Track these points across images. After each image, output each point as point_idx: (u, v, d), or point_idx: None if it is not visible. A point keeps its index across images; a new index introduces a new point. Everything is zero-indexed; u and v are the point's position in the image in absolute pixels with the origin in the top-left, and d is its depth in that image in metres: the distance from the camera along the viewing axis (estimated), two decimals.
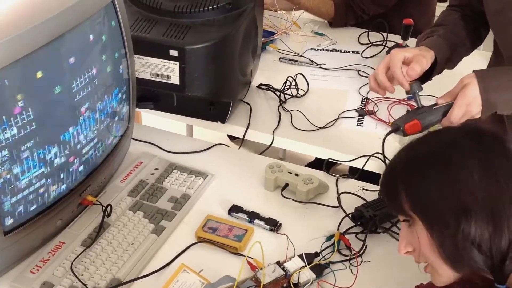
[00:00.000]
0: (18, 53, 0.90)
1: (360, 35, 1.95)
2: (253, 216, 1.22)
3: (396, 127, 1.16)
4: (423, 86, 1.20)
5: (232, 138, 1.91)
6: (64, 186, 1.10)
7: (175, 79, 1.40)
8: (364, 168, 1.39)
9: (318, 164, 1.45)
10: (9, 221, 0.99)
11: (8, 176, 0.96)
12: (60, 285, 1.04)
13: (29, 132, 0.96)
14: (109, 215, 1.16)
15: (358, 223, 1.20)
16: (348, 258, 1.13)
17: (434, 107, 1.14)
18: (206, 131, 1.65)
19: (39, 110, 0.97)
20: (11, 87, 0.92)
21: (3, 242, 1.00)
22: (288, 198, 1.28)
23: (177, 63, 1.37)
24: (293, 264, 1.09)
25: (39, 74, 0.95)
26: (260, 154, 1.50)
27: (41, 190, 1.04)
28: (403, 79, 1.16)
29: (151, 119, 1.57)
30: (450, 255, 0.80)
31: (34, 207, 1.04)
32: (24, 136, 0.96)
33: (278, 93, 1.62)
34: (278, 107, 1.58)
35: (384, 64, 1.18)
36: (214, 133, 1.60)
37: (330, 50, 1.89)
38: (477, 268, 0.80)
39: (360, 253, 1.13)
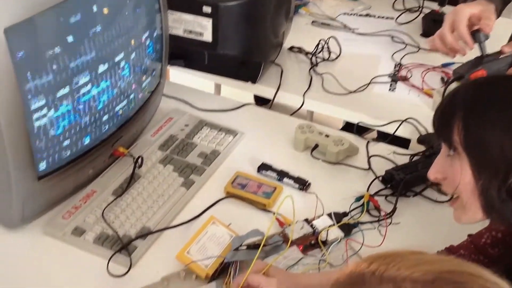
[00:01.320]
0: (51, 1, 0.90)
1: (395, 1, 1.91)
2: (282, 174, 1.22)
3: (459, 76, 1.12)
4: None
5: (259, 103, 1.90)
6: (97, 135, 1.10)
7: (208, 36, 1.39)
8: (395, 134, 1.37)
9: (347, 130, 1.44)
10: (42, 166, 1.00)
11: (44, 121, 0.96)
12: (91, 231, 1.05)
13: (64, 79, 0.97)
14: (140, 166, 1.17)
15: (388, 185, 1.19)
16: (377, 219, 1.12)
17: (501, 56, 1.10)
18: (233, 92, 1.64)
19: (75, 58, 0.97)
20: (48, 32, 0.92)
21: (37, 186, 1.01)
22: (318, 159, 1.27)
23: (210, 19, 1.36)
24: (322, 222, 1.09)
25: (74, 22, 0.95)
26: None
27: (75, 138, 1.05)
28: (469, 37, 1.11)
29: (179, 77, 1.57)
30: (488, 202, 0.79)
31: (68, 154, 1.05)
32: (60, 83, 0.96)
33: (309, 56, 1.61)
34: (309, 70, 1.57)
35: (449, 22, 1.13)
36: (241, 95, 1.59)
37: (363, 15, 1.86)
38: (507, 221, 0.79)
39: (390, 214, 1.13)
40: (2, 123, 0.89)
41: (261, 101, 1.60)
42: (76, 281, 0.99)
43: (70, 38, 0.96)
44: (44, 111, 0.95)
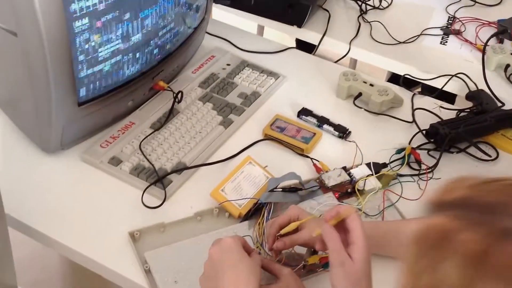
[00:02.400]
0: None
1: None
2: (322, 120, 1.19)
3: (503, 29, 1.06)
4: None
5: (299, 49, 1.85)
6: (138, 67, 1.09)
7: None
8: (443, 89, 1.32)
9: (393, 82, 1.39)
10: (83, 92, 1.00)
11: (86, 46, 0.95)
12: (128, 161, 1.05)
13: (110, 4, 0.95)
14: (179, 101, 1.16)
15: (432, 140, 1.15)
16: (417, 172, 1.09)
17: None
18: (276, 35, 1.60)
19: None
20: None
21: (77, 112, 1.01)
22: (360, 108, 1.24)
23: None
24: (360, 172, 1.07)
25: None
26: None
27: (117, 67, 1.03)
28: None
29: (221, 15, 1.53)
30: None
31: (108, 82, 1.04)
32: (105, 7, 0.94)
33: (359, 2, 1.55)
34: (358, 17, 1.51)
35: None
36: (283, 39, 1.55)
37: None
38: None
39: (431, 169, 1.09)
40: (46, 45, 0.89)
41: (302, 49, 1.56)
42: (111, 209, 1.00)
43: None
44: (87, 35, 0.94)
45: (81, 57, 0.95)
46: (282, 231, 0.87)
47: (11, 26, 0.89)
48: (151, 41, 1.09)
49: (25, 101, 1.00)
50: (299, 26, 1.46)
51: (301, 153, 1.13)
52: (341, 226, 0.79)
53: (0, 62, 1.00)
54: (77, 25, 0.92)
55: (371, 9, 1.54)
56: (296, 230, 0.88)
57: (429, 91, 1.36)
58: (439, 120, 1.19)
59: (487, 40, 1.35)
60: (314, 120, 1.19)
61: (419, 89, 1.65)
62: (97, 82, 1.01)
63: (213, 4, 1.46)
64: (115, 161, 1.05)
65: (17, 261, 0.86)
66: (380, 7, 1.55)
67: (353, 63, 2.18)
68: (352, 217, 0.78)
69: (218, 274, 0.78)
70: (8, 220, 0.92)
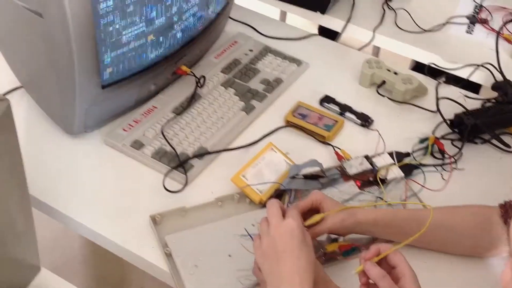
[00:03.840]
0: None
1: None
2: (344, 108, 1.18)
3: None
4: None
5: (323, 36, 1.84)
6: (161, 51, 1.09)
7: None
8: (468, 79, 1.30)
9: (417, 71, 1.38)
10: (107, 75, 1.00)
11: (110, 29, 0.95)
12: (150, 145, 1.05)
13: None
14: (201, 86, 1.16)
15: (456, 130, 1.14)
16: (440, 163, 1.08)
17: None
18: (298, 21, 1.59)
19: None
20: None
21: (100, 95, 1.01)
22: (383, 96, 1.22)
23: None
24: (382, 160, 1.06)
25: None
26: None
27: (140, 50, 1.03)
28: None
29: (244, 1, 1.52)
30: None
31: (132, 65, 1.04)
32: None
33: None
34: (383, 4, 1.49)
35: None
36: (306, 25, 1.53)
37: None
38: None
39: (455, 159, 1.08)
40: (71, 27, 0.89)
41: (324, 35, 1.55)
42: (132, 192, 1.01)
43: None
44: (112, 17, 0.94)
45: (105, 40, 0.95)
46: (306, 223, 0.86)
47: (37, 7, 0.90)
48: (175, 25, 1.09)
49: (49, 83, 1.01)
50: (322, 12, 1.45)
51: (323, 141, 1.12)
52: (379, 263, 0.77)
53: (25, 43, 1.00)
54: (102, 7, 0.91)
55: None
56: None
57: (454, 80, 1.34)
58: (464, 110, 1.17)
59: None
60: (337, 108, 1.18)
61: (444, 79, 1.63)
62: (121, 65, 1.01)
63: None
64: (137, 145, 1.05)
65: (40, 243, 0.87)
66: None
67: (376, 51, 2.15)
68: (394, 252, 0.76)
69: (278, 256, 0.77)
70: (32, 201, 0.93)
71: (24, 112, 1.12)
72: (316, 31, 1.97)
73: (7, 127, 0.71)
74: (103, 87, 1.01)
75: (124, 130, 1.08)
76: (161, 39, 1.07)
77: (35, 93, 1.11)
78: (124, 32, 0.98)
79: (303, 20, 1.51)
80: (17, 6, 0.92)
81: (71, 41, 0.90)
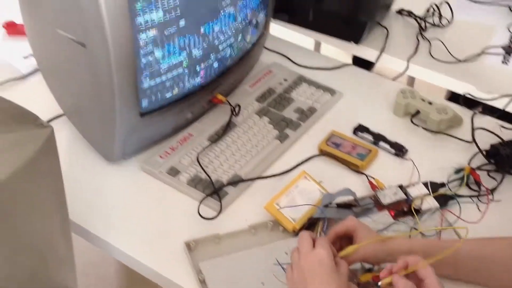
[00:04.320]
0: None
1: None
2: (378, 138, 1.18)
3: None
4: None
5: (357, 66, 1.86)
6: (198, 80, 1.11)
7: None
8: (505, 110, 1.29)
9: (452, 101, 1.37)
10: (146, 103, 1.03)
11: (150, 58, 0.98)
12: (185, 172, 1.07)
13: (173, 18, 0.98)
14: (236, 115, 1.18)
15: (492, 161, 1.13)
16: (476, 194, 1.07)
17: None
18: (333, 51, 1.61)
19: None
20: None
21: (139, 122, 1.04)
22: (418, 126, 1.22)
23: None
24: (416, 191, 1.05)
25: None
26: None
27: (178, 79, 1.06)
28: None
29: (280, 31, 1.55)
30: None
31: (170, 94, 1.07)
32: (169, 21, 0.97)
33: (418, 20, 1.53)
34: (417, 35, 1.50)
35: None
36: (340, 55, 1.55)
37: None
38: None
39: (491, 190, 1.07)
40: (113, 56, 0.92)
41: (358, 65, 1.56)
42: (168, 218, 1.02)
43: None
44: (151, 47, 0.97)
45: (145, 69, 0.98)
46: (340, 254, 0.86)
47: (80, 37, 0.93)
48: (211, 55, 1.12)
49: (90, 110, 1.04)
50: (356, 42, 1.46)
51: (357, 170, 1.12)
52: (408, 276, 0.78)
53: (68, 72, 1.04)
54: (142, 37, 0.95)
55: (431, 26, 1.53)
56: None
57: (490, 111, 1.33)
58: (500, 140, 1.16)
59: None
60: (370, 137, 1.19)
61: (480, 109, 1.62)
62: (159, 94, 1.04)
63: (272, 20, 1.47)
64: (173, 172, 1.07)
65: (77, 267, 0.89)
66: (440, 25, 1.53)
67: (411, 81, 2.15)
68: (422, 266, 0.77)
69: (307, 285, 0.78)
70: (71, 225, 0.95)
71: (66, 139, 1.16)
72: (350, 61, 1.99)
73: (51, 153, 0.74)
74: (142, 115, 1.03)
75: (161, 157, 1.10)
76: (198, 68, 1.10)
77: (76, 121, 1.14)
78: (162, 62, 1.01)
79: (337, 50, 1.52)
80: (61, 36, 0.95)
81: (112, 70, 0.93)
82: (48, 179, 0.74)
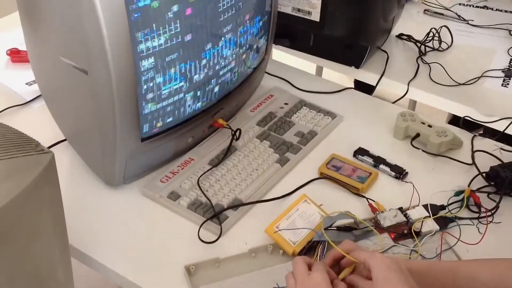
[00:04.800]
0: None
1: None
2: (378, 160, 1.19)
3: None
4: None
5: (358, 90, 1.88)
6: (199, 104, 1.13)
7: (316, 16, 1.38)
8: (505, 132, 1.30)
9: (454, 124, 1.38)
10: (146, 128, 1.04)
11: (151, 84, 1.00)
12: (186, 196, 1.08)
13: (174, 44, 0.99)
14: (237, 139, 1.19)
15: (492, 183, 1.13)
16: (477, 216, 1.07)
17: None
18: (335, 76, 1.62)
19: (186, 24, 1.00)
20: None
21: (139, 147, 1.05)
22: (418, 149, 1.23)
23: None
24: (416, 213, 1.06)
25: None
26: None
27: (179, 104, 1.07)
28: None
29: (280, 55, 1.57)
30: None
31: (170, 119, 1.08)
32: (170, 48, 0.99)
33: (418, 44, 1.55)
34: (417, 59, 1.51)
35: None
36: (342, 79, 1.57)
37: (480, 7, 1.77)
38: None
39: (491, 212, 1.07)
40: (114, 83, 0.93)
41: (361, 89, 1.58)
42: (168, 242, 1.03)
43: (183, 7, 0.98)
44: (152, 74, 0.99)
45: (146, 95, 1.00)
46: (340, 276, 0.86)
47: (83, 64, 0.95)
48: (212, 80, 1.13)
49: (91, 136, 1.06)
50: (357, 67, 1.48)
51: (357, 193, 1.13)
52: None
53: (70, 98, 1.06)
54: (144, 64, 0.96)
55: (430, 50, 1.54)
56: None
57: (491, 133, 1.34)
58: (500, 162, 1.16)
59: None
60: (370, 160, 1.19)
61: (481, 131, 1.62)
62: (160, 119, 1.06)
63: (273, 45, 1.49)
64: (174, 196, 1.08)
65: None
66: (440, 48, 1.55)
67: (412, 104, 2.17)
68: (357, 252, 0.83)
69: None
70: (71, 250, 0.96)
71: (67, 164, 1.17)
72: (352, 85, 2.00)
73: (51, 178, 0.75)
74: (143, 140, 1.05)
75: (161, 181, 1.11)
76: (198, 93, 1.11)
77: (77, 146, 1.16)
78: (163, 88, 1.02)
79: (339, 74, 1.54)
80: (64, 63, 0.97)
81: (113, 97, 0.95)
82: (48, 204, 0.75)
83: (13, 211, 0.66)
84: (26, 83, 1.37)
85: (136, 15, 0.91)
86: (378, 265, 0.80)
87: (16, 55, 1.44)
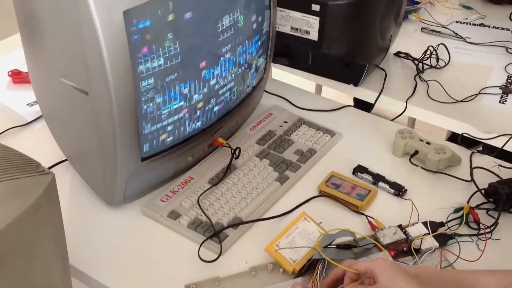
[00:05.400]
0: None
1: None
2: (378, 178, 1.20)
3: None
4: None
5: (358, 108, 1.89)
6: (199, 124, 1.14)
7: (314, 35, 1.40)
8: (503, 148, 1.30)
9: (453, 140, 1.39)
10: (146, 148, 1.05)
11: (151, 104, 1.01)
12: (186, 215, 1.08)
13: (174, 65, 1.01)
14: (237, 157, 1.20)
15: (491, 199, 1.13)
16: (476, 232, 1.07)
17: None
18: (334, 94, 1.64)
19: (185, 45, 1.01)
20: (163, 20, 0.96)
21: (140, 167, 1.06)
22: (417, 166, 1.23)
23: (318, 18, 1.36)
24: (416, 230, 1.06)
25: (188, 13, 0.99)
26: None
27: (178, 124, 1.08)
28: None
29: (280, 75, 1.58)
30: None
31: (170, 139, 1.09)
32: (169, 68, 1.00)
33: (416, 62, 1.56)
34: (415, 76, 1.52)
35: None
36: (342, 97, 1.58)
37: (477, 25, 1.78)
38: None
39: (490, 229, 1.07)
40: (115, 103, 0.94)
41: (361, 107, 1.59)
42: (168, 262, 1.03)
43: (182, 27, 1.00)
44: (152, 94, 1.00)
45: (146, 115, 1.01)
46: None
47: (83, 85, 0.96)
48: (212, 100, 1.14)
49: (91, 156, 1.06)
50: (356, 84, 1.49)
51: (356, 210, 1.13)
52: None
53: (71, 118, 1.07)
54: (143, 85, 0.98)
55: (428, 68, 1.56)
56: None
57: (490, 150, 1.35)
58: (499, 179, 1.17)
59: None
60: (370, 178, 1.20)
61: (480, 148, 1.63)
62: (160, 138, 1.06)
63: (273, 64, 1.51)
64: (174, 215, 1.09)
65: None
66: (437, 66, 1.56)
67: (412, 121, 2.18)
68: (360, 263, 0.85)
69: None
70: (71, 270, 0.96)
71: (68, 184, 1.18)
72: (351, 102, 2.02)
73: (52, 199, 0.75)
74: (143, 159, 1.05)
75: (161, 200, 1.12)
76: (198, 113, 1.12)
77: (78, 166, 1.17)
78: (163, 108, 1.03)
79: (339, 92, 1.55)
80: (65, 85, 0.99)
81: (114, 117, 0.96)
82: (48, 225, 0.75)
83: (13, 233, 0.67)
84: (28, 104, 1.39)
85: (136, 37, 0.92)
86: (381, 268, 0.80)
87: (17, 76, 1.46)
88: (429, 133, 1.29)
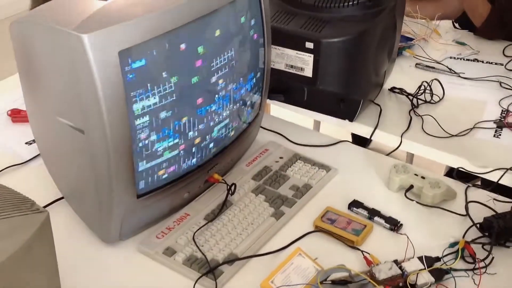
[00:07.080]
0: (164, 27, 0.97)
1: (506, 47, 1.85)
2: (373, 213, 1.20)
3: None
4: None
5: (356, 142, 1.91)
6: (194, 161, 1.15)
7: (308, 72, 1.42)
8: (499, 182, 1.31)
9: (450, 176, 1.39)
10: (142, 185, 1.06)
11: (146, 142, 1.02)
12: (182, 252, 1.08)
13: (169, 102, 1.02)
14: (232, 194, 1.20)
15: (486, 234, 1.13)
16: (472, 267, 1.07)
17: None
18: (332, 129, 1.65)
19: (180, 83, 1.03)
20: (158, 58, 0.98)
21: (135, 204, 1.07)
22: (412, 200, 1.24)
23: (312, 55, 1.39)
24: (411, 265, 1.06)
25: (182, 49, 1.01)
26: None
27: (174, 161, 1.10)
28: None
29: (279, 111, 1.60)
30: None
31: (166, 176, 1.10)
32: (165, 106, 1.02)
33: (410, 97, 1.58)
34: (410, 111, 1.54)
35: None
36: (340, 133, 1.60)
37: (471, 60, 1.81)
38: None
39: (486, 263, 1.07)
40: (110, 142, 0.96)
41: (359, 142, 1.60)
42: None
43: (177, 65, 1.02)
44: (148, 131, 1.01)
45: (141, 152, 1.02)
46: None
47: (79, 124, 0.98)
48: (207, 136, 1.16)
49: (87, 193, 1.07)
50: (351, 120, 1.50)
51: (352, 245, 1.13)
52: None
53: (67, 156, 1.08)
54: (138, 123, 0.99)
55: (423, 103, 1.57)
56: None
57: (487, 184, 1.35)
58: (494, 213, 1.17)
59: None
60: (365, 212, 1.20)
61: (478, 182, 1.63)
62: (155, 175, 1.07)
63: (269, 100, 1.53)
64: (170, 252, 1.09)
65: None
66: (432, 101, 1.58)
67: (410, 156, 2.19)
68: None
69: None
70: None
71: (64, 221, 1.18)
72: (349, 138, 2.03)
73: (46, 237, 0.76)
74: (139, 196, 1.06)
75: (157, 237, 1.12)
76: (194, 149, 1.13)
77: (74, 203, 1.17)
78: (158, 145, 1.04)
79: (337, 128, 1.56)
80: (61, 123, 1.00)
81: (109, 155, 0.97)
82: (42, 263, 0.76)
83: (6, 272, 0.67)
84: (26, 143, 1.40)
85: (131, 76, 0.94)
86: None
87: (16, 115, 1.48)
88: (428, 167, 1.30)
